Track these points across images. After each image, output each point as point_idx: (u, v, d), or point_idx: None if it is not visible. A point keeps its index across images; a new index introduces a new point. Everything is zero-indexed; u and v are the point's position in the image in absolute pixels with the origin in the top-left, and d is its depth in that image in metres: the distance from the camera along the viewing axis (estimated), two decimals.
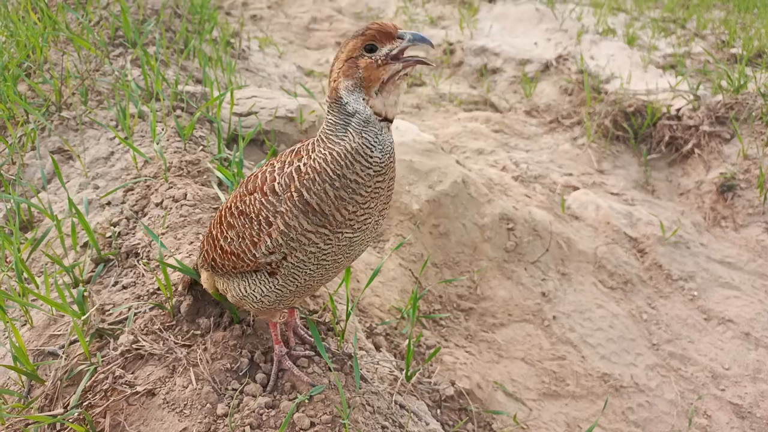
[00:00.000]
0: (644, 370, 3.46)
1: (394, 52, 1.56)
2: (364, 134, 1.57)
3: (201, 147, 3.35)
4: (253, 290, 1.83)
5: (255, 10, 8.16)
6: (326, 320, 2.48)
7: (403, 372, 2.53)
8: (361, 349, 2.52)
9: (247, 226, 1.71)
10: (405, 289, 3.50)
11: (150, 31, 4.77)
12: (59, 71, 4.07)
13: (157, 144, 3.07)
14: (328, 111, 1.63)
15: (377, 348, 2.75)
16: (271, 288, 1.78)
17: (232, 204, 1.81)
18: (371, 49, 1.57)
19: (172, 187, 2.88)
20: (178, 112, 3.73)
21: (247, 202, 1.72)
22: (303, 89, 5.38)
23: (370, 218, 1.65)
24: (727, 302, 3.94)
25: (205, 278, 2.09)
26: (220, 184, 3.09)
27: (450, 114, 5.98)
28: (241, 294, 1.88)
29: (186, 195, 2.82)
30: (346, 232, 1.62)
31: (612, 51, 6.33)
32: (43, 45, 4.23)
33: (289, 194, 1.61)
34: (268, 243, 1.65)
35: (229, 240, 1.79)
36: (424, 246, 3.76)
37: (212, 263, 1.92)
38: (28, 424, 1.93)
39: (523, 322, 3.60)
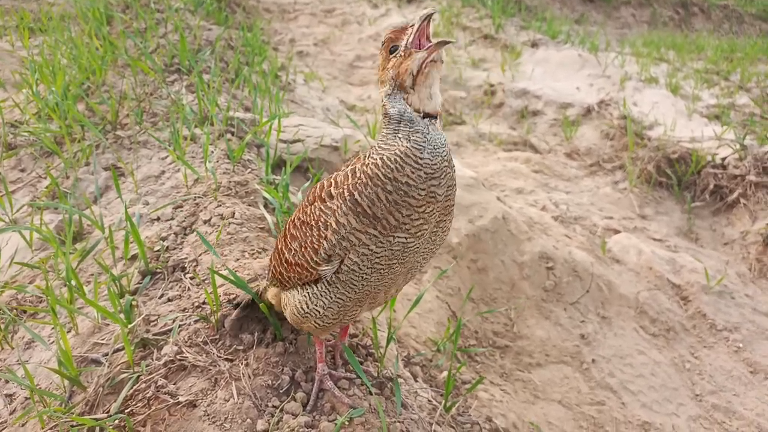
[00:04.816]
0: (686, 421, 3.32)
1: (410, 38, 1.63)
2: (412, 136, 1.61)
3: (249, 170, 3.43)
4: (315, 304, 1.83)
5: (302, 46, 8.41)
6: (366, 344, 2.46)
7: (441, 403, 2.48)
8: (399, 376, 2.49)
9: (308, 234, 1.73)
10: (441, 322, 3.46)
11: (205, 60, 4.96)
12: (117, 93, 4.24)
13: (209, 164, 3.15)
14: (381, 127, 1.70)
15: (414, 377, 2.71)
16: (332, 299, 1.78)
17: (295, 217, 1.84)
18: (394, 49, 1.66)
19: (220, 206, 2.94)
20: (228, 136, 3.84)
21: (308, 211, 1.76)
22: (347, 121, 5.48)
23: (425, 224, 1.64)
24: None
25: (273, 294, 2.11)
26: (266, 205, 3.14)
27: (489, 153, 6.01)
28: (303, 311, 1.88)
29: (234, 213, 2.87)
30: (399, 236, 1.63)
31: (655, 98, 6.32)
32: (102, 68, 4.43)
33: (339, 192, 1.65)
34: (325, 245, 1.67)
35: (293, 251, 1.81)
36: (461, 280, 3.73)
37: (280, 277, 1.94)
38: (72, 426, 1.94)
39: (560, 363, 3.51)
